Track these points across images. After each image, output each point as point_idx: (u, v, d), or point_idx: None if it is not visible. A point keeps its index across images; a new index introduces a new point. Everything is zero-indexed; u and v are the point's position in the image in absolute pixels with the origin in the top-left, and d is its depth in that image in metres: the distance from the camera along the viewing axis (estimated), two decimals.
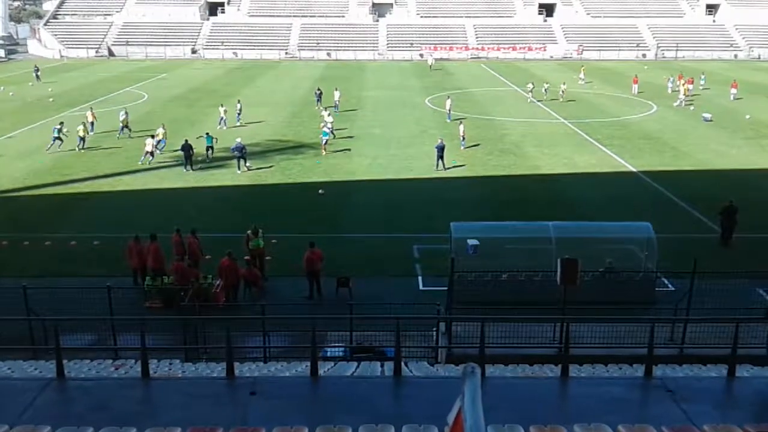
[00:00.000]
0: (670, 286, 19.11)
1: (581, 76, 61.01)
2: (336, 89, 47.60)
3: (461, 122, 37.68)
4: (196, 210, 26.25)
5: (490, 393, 10.64)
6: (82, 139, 35.12)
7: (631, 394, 10.61)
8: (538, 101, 49.06)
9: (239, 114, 41.63)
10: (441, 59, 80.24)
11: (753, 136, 39.38)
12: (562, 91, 50.03)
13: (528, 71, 68.55)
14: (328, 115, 38.66)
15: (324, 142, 34.73)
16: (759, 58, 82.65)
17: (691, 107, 47.22)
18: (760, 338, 12.55)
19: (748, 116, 44.39)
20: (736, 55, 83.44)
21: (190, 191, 29.00)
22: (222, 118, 40.15)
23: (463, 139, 35.93)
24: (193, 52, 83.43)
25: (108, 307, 15.43)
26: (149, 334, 12.00)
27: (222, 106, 41.10)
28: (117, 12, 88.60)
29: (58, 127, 34.87)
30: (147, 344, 10.96)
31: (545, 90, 50.53)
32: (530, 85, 51.29)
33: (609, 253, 19.24)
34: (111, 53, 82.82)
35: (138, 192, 28.81)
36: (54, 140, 34.48)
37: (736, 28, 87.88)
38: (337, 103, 46.29)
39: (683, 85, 50.41)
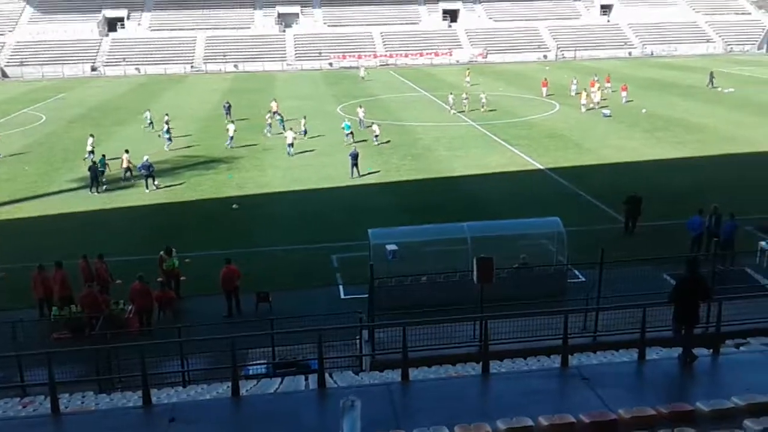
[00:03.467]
0: (581, 276, 19.80)
1: (467, 79, 62.82)
2: (274, 100, 48.19)
3: (373, 123, 38.90)
4: (105, 233, 25.24)
5: (414, 396, 10.74)
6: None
7: (550, 384, 10.91)
8: (460, 113, 47.21)
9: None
10: (350, 67, 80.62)
11: (649, 128, 41.46)
12: (483, 100, 48.17)
13: (436, 77, 69.76)
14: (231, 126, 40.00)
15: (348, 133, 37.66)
16: (652, 54, 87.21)
17: (593, 107, 48.48)
18: (667, 321, 13.14)
19: (644, 110, 46.72)
20: (630, 53, 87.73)
21: (98, 214, 27.87)
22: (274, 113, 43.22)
23: (376, 136, 37.86)
24: (93, 69, 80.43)
25: (13, 342, 14.59)
26: (59, 367, 11.41)
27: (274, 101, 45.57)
28: (9, 31, 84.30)
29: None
30: (56, 378, 10.42)
31: (465, 101, 48.51)
32: (451, 97, 48.69)
33: (522, 249, 19.78)
34: (4, 74, 78.68)
35: (41, 218, 27.40)
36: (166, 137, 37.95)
37: (630, 27, 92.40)
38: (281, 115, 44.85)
39: (599, 89, 50.60)
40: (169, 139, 38.66)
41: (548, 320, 13.90)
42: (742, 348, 13.32)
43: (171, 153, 37.20)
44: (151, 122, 43.91)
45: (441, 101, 52.31)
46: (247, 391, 11.92)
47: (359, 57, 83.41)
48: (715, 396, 9.30)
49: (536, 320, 14.22)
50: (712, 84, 56.99)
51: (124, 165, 32.20)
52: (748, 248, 21.04)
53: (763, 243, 21.13)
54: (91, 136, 36.32)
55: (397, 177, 32.23)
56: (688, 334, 11.37)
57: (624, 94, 51.46)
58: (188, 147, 39.17)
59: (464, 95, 49.71)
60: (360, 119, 43.47)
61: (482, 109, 47.58)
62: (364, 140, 38.39)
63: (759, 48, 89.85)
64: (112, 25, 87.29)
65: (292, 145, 36.56)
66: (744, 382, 10.19)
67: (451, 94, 49.88)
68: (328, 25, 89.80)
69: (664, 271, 19.19)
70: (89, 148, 35.01)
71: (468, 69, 69.22)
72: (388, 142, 37.23)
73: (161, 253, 19.76)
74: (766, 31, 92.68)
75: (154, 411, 10.20)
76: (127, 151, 32.93)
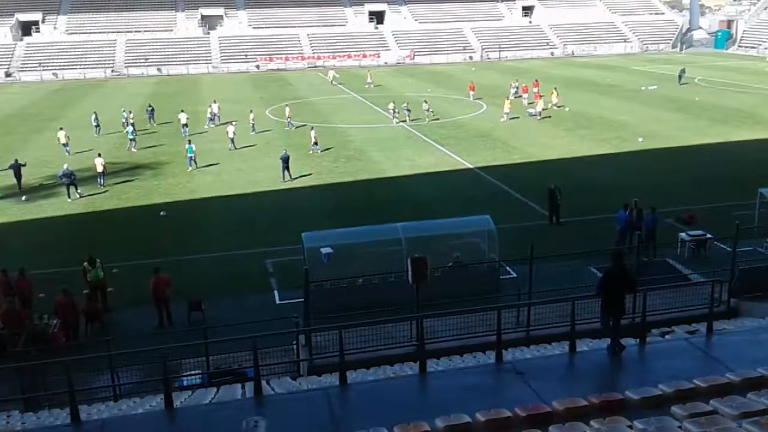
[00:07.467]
0: (512, 273, 20.20)
1: (369, 80, 63.78)
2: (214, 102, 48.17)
3: (312, 128, 38.07)
4: (25, 246, 24.14)
5: (353, 400, 10.71)
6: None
7: (486, 380, 11.07)
8: (402, 122, 44.72)
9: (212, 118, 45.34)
10: (278, 69, 79.91)
11: (572, 127, 42.73)
12: (427, 110, 45.54)
13: (365, 78, 69.79)
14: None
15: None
16: (572, 54, 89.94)
17: (531, 111, 47.35)
18: (595, 313, 13.57)
19: (567, 109, 48.10)
20: (552, 53, 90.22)
21: (16, 226, 26.66)
22: (214, 115, 45.15)
23: (315, 144, 36.88)
24: (8, 75, 76.91)
25: None
26: None
27: (215, 102, 47.07)
28: None
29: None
30: None
31: (407, 110, 45.44)
32: (392, 105, 46.10)
33: (455, 248, 20.03)
34: None
35: None
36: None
37: (551, 28, 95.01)
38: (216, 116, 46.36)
39: (550, 94, 49.10)
40: (133, 139, 39.11)
41: (483, 316, 14.14)
42: (667, 336, 13.89)
43: (92, 161, 35.73)
44: (98, 125, 43.51)
45: (370, 103, 52.39)
46: (181, 402, 11.61)
47: (287, 59, 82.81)
48: (644, 384, 9.64)
49: (471, 317, 14.43)
50: (681, 80, 59.35)
51: (99, 169, 31.39)
52: (669, 240, 21.97)
53: (683, 234, 22.12)
54: (61, 129, 38.01)
55: (329, 179, 32.11)
56: (615, 325, 11.74)
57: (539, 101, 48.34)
58: (111, 153, 37.91)
59: (405, 104, 46.69)
60: (288, 120, 43.41)
61: (426, 120, 45.00)
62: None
63: (673, 47, 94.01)
64: (27, 28, 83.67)
65: (233, 140, 38.26)
66: (670, 369, 10.60)
67: (392, 102, 47.17)
68: (253, 27, 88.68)
69: (591, 264, 19.83)
70: (63, 141, 36.86)
71: (369, 70, 69.92)
72: (316, 144, 37.04)
73: (84, 264, 19.06)
74: (679, 30, 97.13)
75: (84, 428, 9.82)
76: (99, 155, 32.24)
